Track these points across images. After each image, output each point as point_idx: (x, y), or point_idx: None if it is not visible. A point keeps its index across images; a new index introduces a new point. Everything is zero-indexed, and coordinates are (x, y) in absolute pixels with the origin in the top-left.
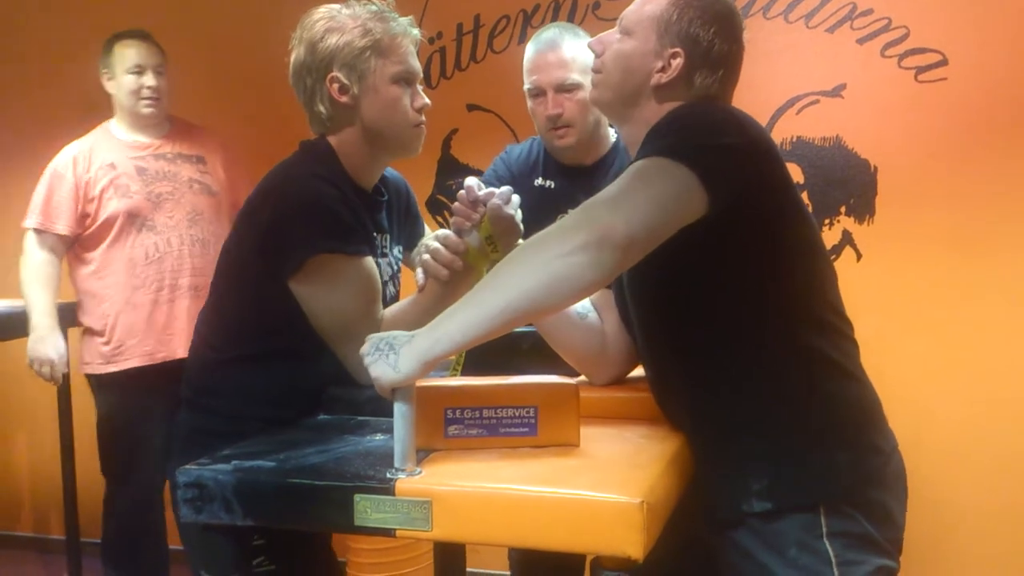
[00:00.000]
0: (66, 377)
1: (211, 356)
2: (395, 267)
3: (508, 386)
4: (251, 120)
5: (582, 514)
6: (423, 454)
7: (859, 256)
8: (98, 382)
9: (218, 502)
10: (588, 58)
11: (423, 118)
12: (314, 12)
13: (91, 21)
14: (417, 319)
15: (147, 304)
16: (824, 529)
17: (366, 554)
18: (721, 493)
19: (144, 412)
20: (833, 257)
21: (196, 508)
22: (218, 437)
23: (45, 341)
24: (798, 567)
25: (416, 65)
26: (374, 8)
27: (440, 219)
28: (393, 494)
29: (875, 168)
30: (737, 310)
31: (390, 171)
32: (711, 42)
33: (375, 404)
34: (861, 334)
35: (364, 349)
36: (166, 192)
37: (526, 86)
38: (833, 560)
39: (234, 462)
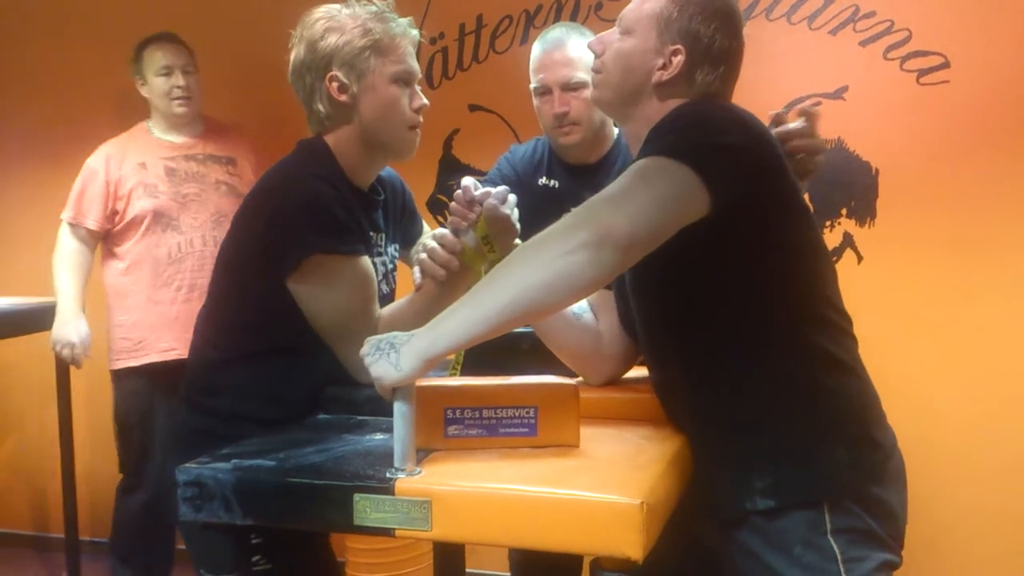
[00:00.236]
0: (67, 375)
1: (211, 356)
2: (389, 266)
3: (508, 386)
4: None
5: (581, 515)
6: (423, 454)
7: (860, 258)
8: (118, 375)
9: (217, 501)
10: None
11: (420, 119)
12: (314, 11)
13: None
14: (414, 319)
15: (167, 302)
16: (828, 526)
17: (364, 554)
18: (724, 492)
19: (158, 407)
20: (834, 259)
21: (195, 507)
22: (218, 439)
23: (68, 325)
24: (803, 565)
25: (415, 66)
26: (374, 8)
27: (441, 219)
28: (393, 494)
29: (877, 170)
30: (739, 309)
31: (386, 169)
32: (712, 38)
33: (374, 403)
34: (862, 336)
35: (364, 350)
36: (193, 193)
37: (532, 84)
38: (838, 556)
39: (233, 461)
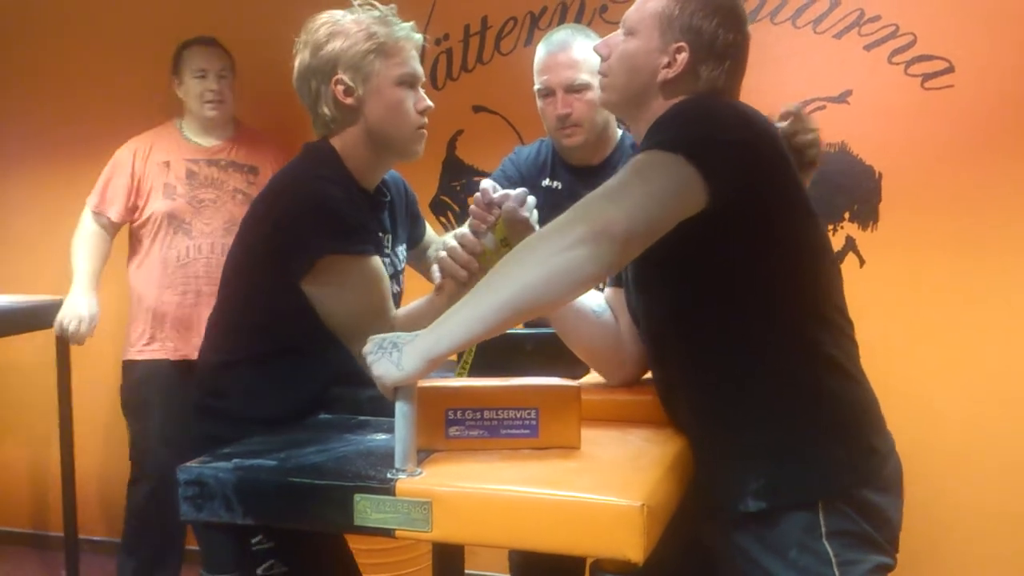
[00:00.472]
0: (67, 373)
1: (218, 358)
2: (399, 266)
3: (509, 388)
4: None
5: (582, 516)
6: (424, 454)
7: (862, 262)
8: (126, 366)
9: (218, 500)
10: (598, 58)
11: (425, 120)
12: (317, 17)
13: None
14: (433, 318)
15: (173, 304)
16: (823, 529)
17: (364, 555)
18: (721, 492)
19: (161, 402)
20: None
21: (196, 506)
22: (226, 445)
23: (77, 299)
24: (799, 569)
25: (419, 68)
26: (377, 13)
27: (444, 220)
28: (393, 494)
29: (880, 174)
30: (742, 307)
31: (390, 172)
32: (715, 33)
33: (376, 403)
34: (865, 339)
35: (367, 348)
36: (208, 199)
37: (536, 86)
38: (833, 560)
39: (235, 460)
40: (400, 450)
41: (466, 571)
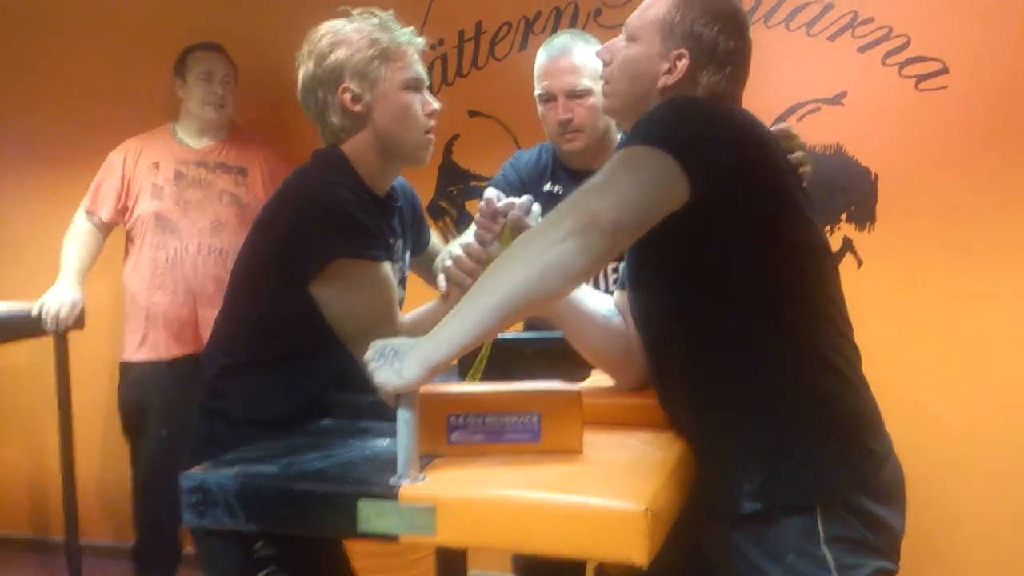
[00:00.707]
0: (67, 376)
1: (223, 361)
2: (404, 272)
3: (511, 393)
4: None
5: (586, 521)
6: (426, 460)
7: (859, 263)
8: (123, 369)
9: (221, 507)
10: (598, 64)
11: (433, 123)
12: (318, 28)
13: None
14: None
15: (163, 305)
16: (822, 535)
17: (363, 557)
18: (717, 494)
19: (158, 404)
20: None
21: (199, 513)
22: (228, 448)
23: (61, 287)
24: (796, 573)
25: (423, 72)
26: (376, 20)
27: (441, 224)
28: (396, 500)
29: (876, 176)
30: (741, 307)
31: (397, 178)
32: (715, 40)
33: (378, 409)
34: (862, 341)
35: (369, 355)
36: (195, 200)
37: (537, 91)
38: (831, 565)
39: (237, 467)
40: (403, 456)
41: (469, 570)
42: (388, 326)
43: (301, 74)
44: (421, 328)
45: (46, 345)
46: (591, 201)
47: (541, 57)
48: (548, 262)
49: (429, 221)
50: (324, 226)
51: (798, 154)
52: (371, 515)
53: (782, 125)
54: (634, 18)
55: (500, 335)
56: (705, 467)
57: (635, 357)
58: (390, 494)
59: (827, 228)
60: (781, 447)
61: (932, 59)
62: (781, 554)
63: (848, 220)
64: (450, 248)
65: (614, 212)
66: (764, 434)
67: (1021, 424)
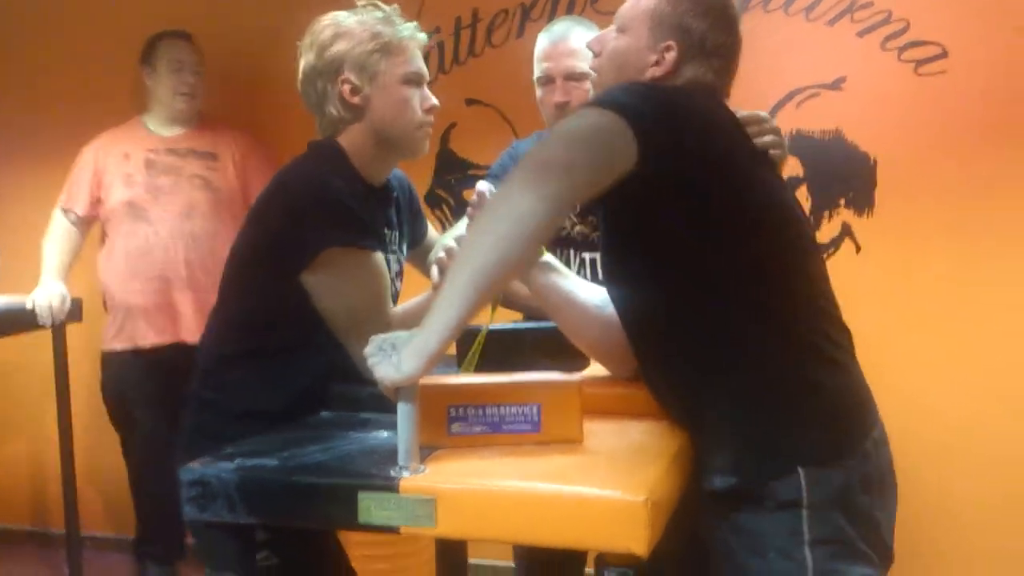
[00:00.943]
0: (65, 369)
1: (215, 351)
2: (401, 264)
3: (511, 384)
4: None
5: (586, 511)
6: (427, 451)
7: (858, 248)
8: (104, 357)
9: (221, 500)
10: None
11: (431, 119)
12: (320, 19)
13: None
14: None
15: (139, 293)
16: (807, 536)
17: (363, 546)
18: (701, 480)
19: (137, 392)
20: (832, 250)
21: (200, 506)
22: (223, 439)
23: (47, 285)
24: (773, 572)
25: (423, 67)
26: (380, 14)
27: (439, 213)
28: (397, 492)
29: (875, 161)
30: (722, 296)
31: (394, 170)
32: (704, 34)
33: (377, 400)
34: (859, 326)
35: (368, 350)
36: (166, 185)
37: (536, 74)
38: (810, 568)
39: (237, 460)
40: (403, 448)
41: (470, 560)
42: (379, 316)
43: (302, 64)
44: (413, 319)
45: (44, 338)
46: (540, 150)
47: (542, 40)
48: (511, 218)
49: (427, 210)
50: (316, 215)
51: (768, 138)
52: (372, 507)
53: (753, 112)
54: (625, 8)
55: (498, 326)
56: (696, 455)
57: (629, 347)
58: (391, 486)
59: (826, 213)
60: (765, 430)
61: (931, 43)
62: (763, 551)
63: (847, 205)
64: (443, 240)
65: (565, 153)
66: (744, 415)
67: (1016, 411)
